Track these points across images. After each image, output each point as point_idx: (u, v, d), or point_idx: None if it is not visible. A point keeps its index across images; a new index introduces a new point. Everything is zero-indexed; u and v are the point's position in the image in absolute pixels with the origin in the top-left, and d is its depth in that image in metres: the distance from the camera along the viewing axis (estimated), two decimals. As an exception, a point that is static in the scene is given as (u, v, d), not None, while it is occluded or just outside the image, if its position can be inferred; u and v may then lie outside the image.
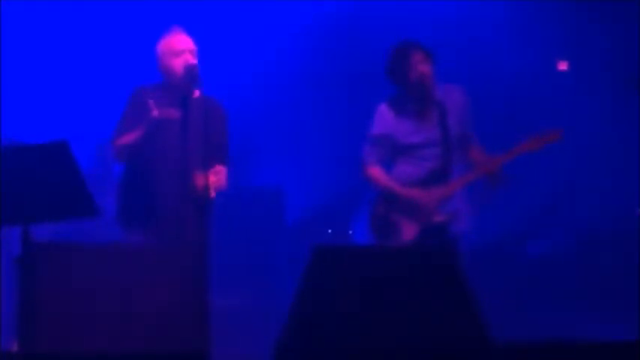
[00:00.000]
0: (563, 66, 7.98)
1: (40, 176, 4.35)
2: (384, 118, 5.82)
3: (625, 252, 7.59)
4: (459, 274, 4.16)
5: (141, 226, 5.53)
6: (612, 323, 6.87)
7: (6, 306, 5.60)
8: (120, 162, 5.70)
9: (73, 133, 7.39)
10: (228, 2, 8.15)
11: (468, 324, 4.04)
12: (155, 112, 5.39)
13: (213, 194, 5.11)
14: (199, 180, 5.09)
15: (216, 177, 5.31)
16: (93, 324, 4.34)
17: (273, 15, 8.25)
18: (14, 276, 4.34)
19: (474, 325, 4.04)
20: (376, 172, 5.84)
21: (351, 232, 7.61)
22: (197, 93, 5.62)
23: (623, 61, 7.68)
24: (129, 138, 5.54)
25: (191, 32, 5.68)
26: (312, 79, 8.25)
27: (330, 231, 7.83)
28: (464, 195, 5.83)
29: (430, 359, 3.96)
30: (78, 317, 4.33)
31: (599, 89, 7.92)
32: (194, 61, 5.55)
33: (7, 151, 4.45)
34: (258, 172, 8.18)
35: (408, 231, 5.72)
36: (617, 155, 7.88)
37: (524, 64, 8.10)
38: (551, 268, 7.97)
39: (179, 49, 5.60)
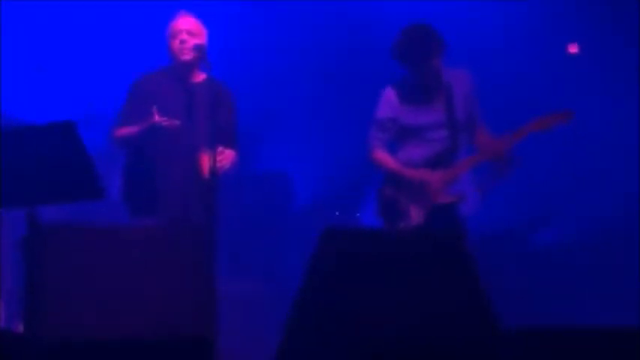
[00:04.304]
0: (573, 49, 7.86)
1: (46, 157, 4.31)
2: (390, 102, 5.81)
3: (638, 239, 7.54)
4: (467, 256, 4.15)
5: (147, 209, 5.52)
6: (622, 310, 6.84)
7: (10, 287, 5.60)
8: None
9: (85, 112, 7.40)
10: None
11: (475, 307, 4.03)
12: (156, 118, 5.38)
13: (218, 175, 5.08)
14: (204, 161, 5.07)
15: (221, 157, 5.26)
16: (98, 306, 4.33)
17: (278, 2, 8.21)
18: (18, 257, 4.32)
19: (481, 308, 4.03)
20: (382, 155, 5.83)
21: (359, 214, 7.61)
22: (202, 76, 5.62)
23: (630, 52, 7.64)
24: (127, 131, 5.55)
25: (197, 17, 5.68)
26: (320, 64, 8.22)
27: (337, 213, 7.81)
28: (470, 178, 5.81)
29: (437, 342, 3.95)
30: (83, 299, 4.32)
31: (610, 77, 7.86)
32: (190, 40, 5.53)
33: (13, 131, 4.43)
34: (266, 156, 8.16)
35: (416, 213, 5.71)
36: (630, 141, 7.81)
37: (533, 51, 8.04)
38: (560, 254, 7.94)
39: (176, 29, 5.64)
